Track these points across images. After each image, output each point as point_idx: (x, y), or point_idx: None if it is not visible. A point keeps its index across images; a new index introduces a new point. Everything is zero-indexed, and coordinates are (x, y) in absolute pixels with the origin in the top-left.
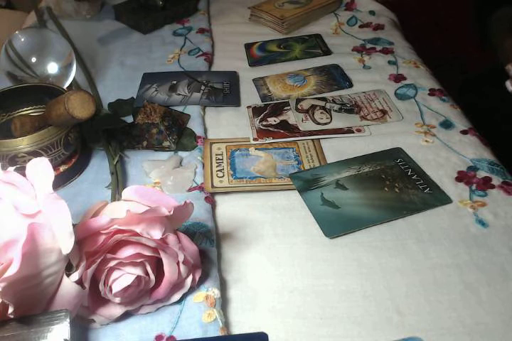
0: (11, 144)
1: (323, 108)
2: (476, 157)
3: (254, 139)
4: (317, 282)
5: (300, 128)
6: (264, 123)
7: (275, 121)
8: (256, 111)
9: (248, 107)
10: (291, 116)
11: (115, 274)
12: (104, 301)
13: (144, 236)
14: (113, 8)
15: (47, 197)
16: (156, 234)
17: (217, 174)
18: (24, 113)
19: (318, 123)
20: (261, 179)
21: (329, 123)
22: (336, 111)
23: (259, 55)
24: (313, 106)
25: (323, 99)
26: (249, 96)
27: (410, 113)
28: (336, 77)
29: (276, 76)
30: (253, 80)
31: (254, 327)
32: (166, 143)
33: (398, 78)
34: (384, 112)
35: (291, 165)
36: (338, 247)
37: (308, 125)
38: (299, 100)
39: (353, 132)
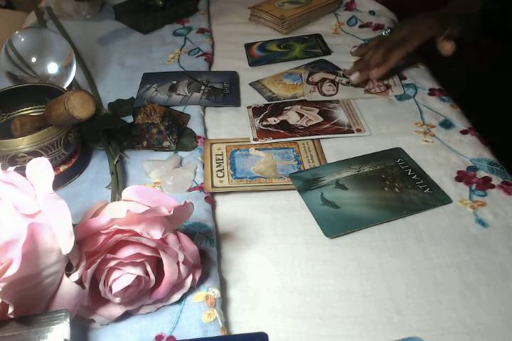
0: (11, 144)
1: (332, 81)
2: (475, 157)
3: (255, 139)
4: (317, 282)
5: (306, 99)
6: (264, 123)
7: (275, 121)
8: (256, 111)
9: (248, 107)
10: (291, 116)
11: (115, 274)
12: (104, 301)
13: (144, 236)
14: (113, 8)
15: (47, 197)
16: (156, 234)
17: (217, 174)
18: (24, 113)
19: (324, 95)
20: (261, 179)
21: (335, 94)
22: (343, 84)
23: (259, 54)
24: (323, 79)
25: (335, 73)
26: (250, 96)
27: (410, 113)
28: (328, 70)
29: (273, 77)
30: (250, 84)
31: (254, 327)
32: (166, 143)
33: None
34: (388, 87)
35: (291, 165)
36: (338, 247)
37: (315, 96)
38: (311, 73)
39: (353, 132)
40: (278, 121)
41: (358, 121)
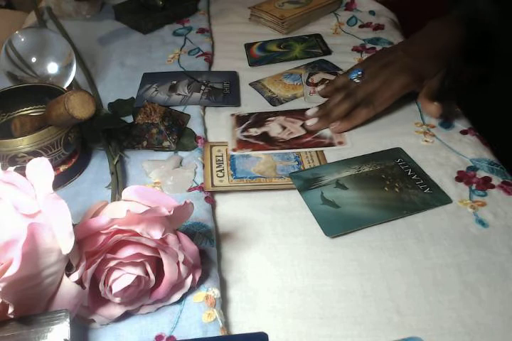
0: (11, 144)
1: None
2: (475, 157)
3: (233, 150)
4: (317, 282)
5: (306, 101)
6: (245, 133)
7: (256, 132)
8: (239, 120)
9: (232, 115)
10: (273, 128)
11: (115, 274)
12: (104, 301)
13: (144, 236)
14: (113, 8)
15: (47, 197)
16: (156, 234)
17: (217, 174)
18: (24, 113)
19: (325, 96)
20: (261, 179)
21: None
22: None
23: (259, 54)
24: (323, 80)
25: (334, 73)
26: (250, 96)
27: (410, 113)
28: (329, 71)
29: (273, 77)
30: (250, 84)
31: (254, 327)
32: (166, 143)
33: None
34: None
35: (292, 165)
36: (338, 247)
37: (315, 98)
38: (311, 74)
39: (335, 145)
40: (259, 133)
41: (341, 133)
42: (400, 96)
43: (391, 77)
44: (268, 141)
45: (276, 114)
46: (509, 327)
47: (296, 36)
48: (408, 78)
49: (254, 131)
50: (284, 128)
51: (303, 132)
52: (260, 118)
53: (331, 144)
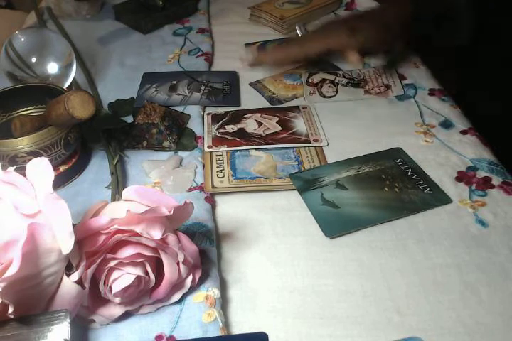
0: (11, 144)
1: (332, 82)
2: (475, 157)
3: (209, 147)
4: (317, 282)
5: (305, 101)
6: (221, 130)
7: (232, 129)
8: (215, 118)
9: (208, 114)
10: (250, 124)
11: (115, 274)
12: (104, 301)
13: (144, 236)
14: (113, 8)
15: (47, 197)
16: (156, 234)
17: (217, 174)
18: (24, 113)
19: (324, 96)
20: (261, 179)
21: (334, 96)
22: (343, 85)
23: None
24: (323, 80)
25: (334, 73)
26: (250, 96)
27: (410, 113)
28: (329, 71)
29: (273, 77)
30: (250, 84)
31: (254, 327)
32: (166, 143)
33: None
34: (388, 87)
35: (292, 165)
36: (338, 247)
37: (315, 98)
38: (311, 74)
39: (310, 142)
40: (235, 129)
41: (317, 130)
42: (331, 46)
43: (326, 26)
44: (244, 137)
45: (252, 111)
46: (509, 327)
47: None
48: (341, 27)
49: (230, 128)
50: (260, 124)
51: (279, 128)
52: (237, 116)
53: (306, 141)
